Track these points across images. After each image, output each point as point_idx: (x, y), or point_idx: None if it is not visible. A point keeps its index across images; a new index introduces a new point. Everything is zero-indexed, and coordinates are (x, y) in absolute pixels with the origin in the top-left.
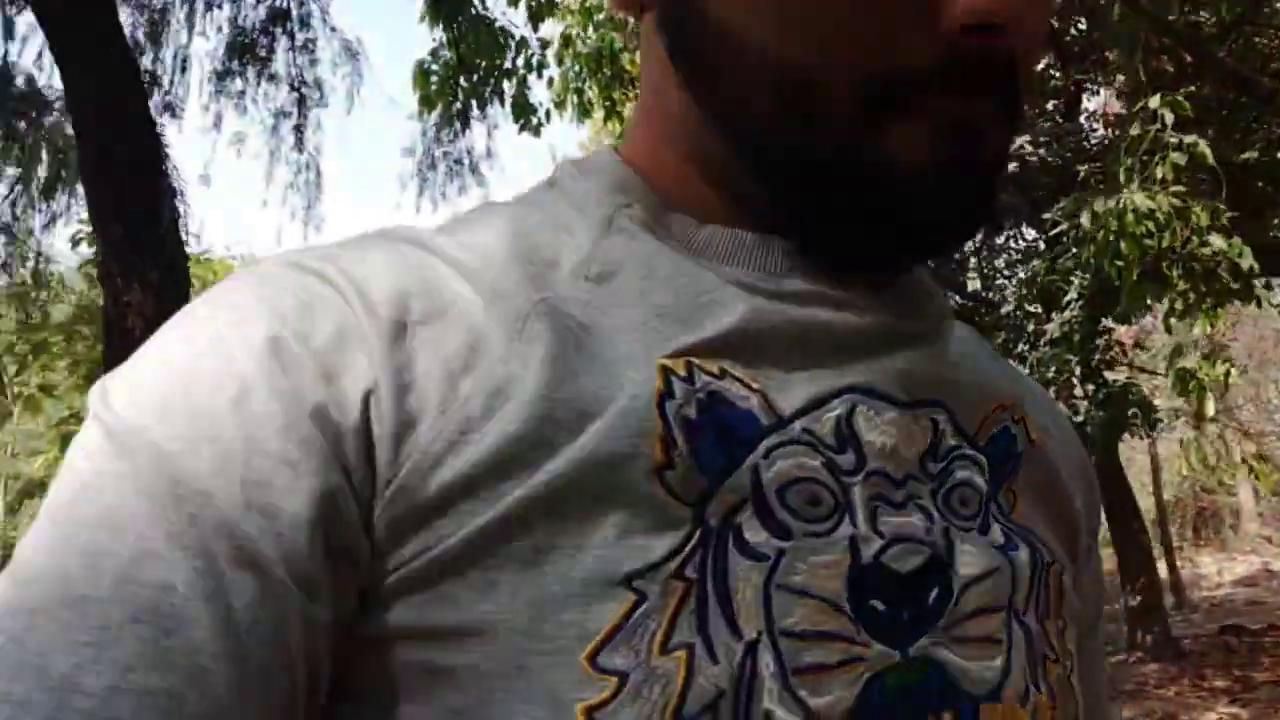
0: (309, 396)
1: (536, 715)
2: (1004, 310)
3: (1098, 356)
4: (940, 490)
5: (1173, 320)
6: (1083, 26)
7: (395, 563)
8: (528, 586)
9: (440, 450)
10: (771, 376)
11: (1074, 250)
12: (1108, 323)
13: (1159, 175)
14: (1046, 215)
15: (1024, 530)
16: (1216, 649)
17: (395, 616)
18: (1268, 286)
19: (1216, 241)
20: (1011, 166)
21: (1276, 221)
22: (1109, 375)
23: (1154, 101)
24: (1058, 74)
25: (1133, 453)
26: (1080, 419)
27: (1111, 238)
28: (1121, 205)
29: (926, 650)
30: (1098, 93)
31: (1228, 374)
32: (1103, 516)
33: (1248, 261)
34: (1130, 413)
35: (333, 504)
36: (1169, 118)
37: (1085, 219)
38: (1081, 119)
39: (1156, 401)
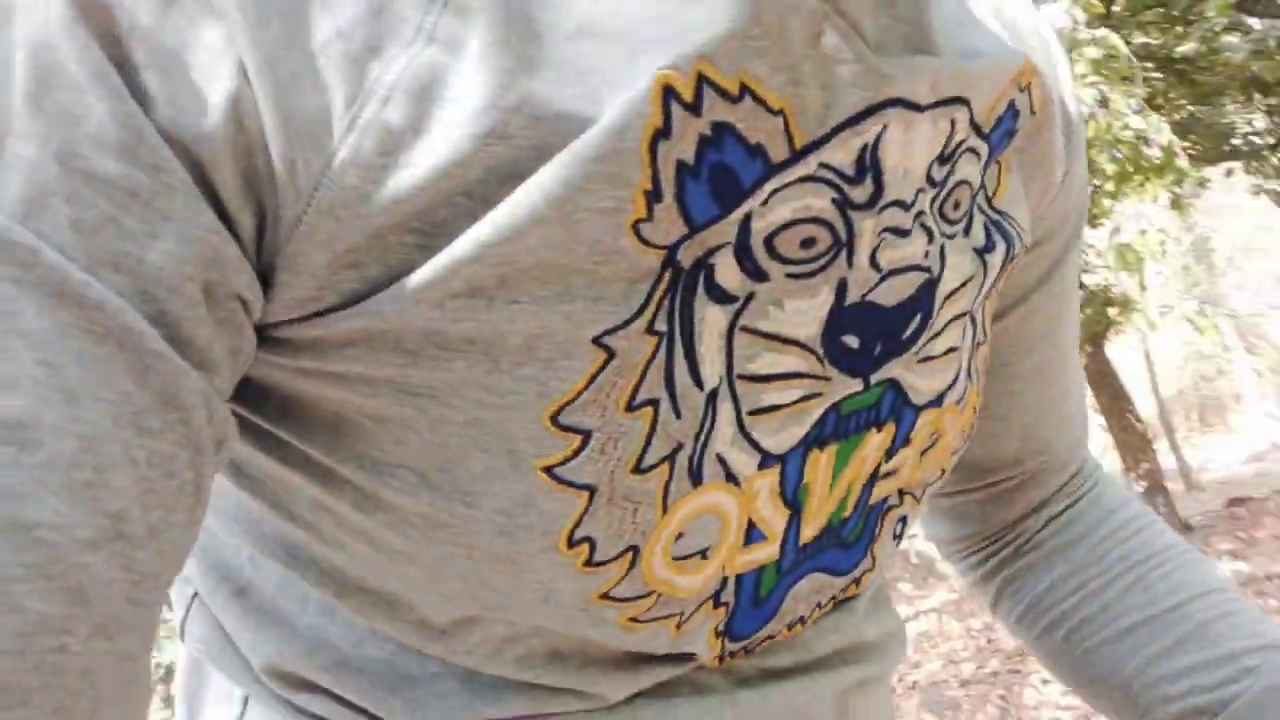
0: (151, 93)
1: (496, 465)
2: None
3: None
4: (940, 196)
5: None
6: None
7: (310, 311)
8: (481, 343)
9: (356, 182)
10: (803, 83)
11: None
12: None
13: (1079, 72)
14: None
15: (1002, 219)
16: (1224, 520)
17: (312, 358)
18: (1229, 174)
19: (1135, 122)
20: None
21: (1231, 107)
22: (1086, 279)
23: (1063, 3)
24: None
25: (1130, 352)
26: None
27: None
28: None
29: (889, 373)
30: None
31: (1163, 244)
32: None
33: (1165, 136)
34: (1111, 311)
35: (209, 247)
36: (1080, 16)
37: None
38: None
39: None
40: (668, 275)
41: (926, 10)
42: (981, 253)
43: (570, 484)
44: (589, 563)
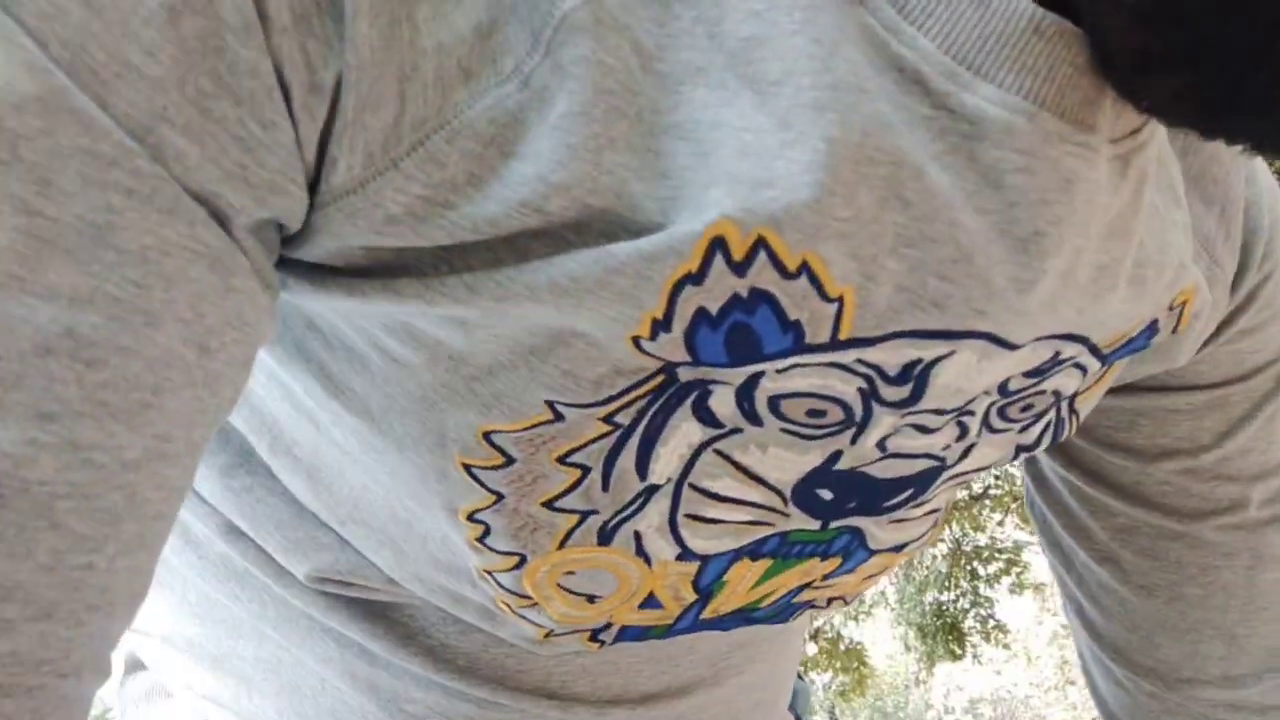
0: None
1: (426, 438)
2: None
3: None
4: (1006, 403)
5: None
6: None
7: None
8: (448, 349)
9: (392, 208)
10: (876, 279)
11: None
12: None
13: None
14: None
15: (1073, 415)
16: None
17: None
18: None
19: None
20: None
21: None
22: None
23: None
24: None
25: None
26: None
27: None
28: None
29: (853, 522)
30: None
31: None
32: None
33: None
34: None
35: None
36: None
37: None
38: None
39: None
40: (657, 381)
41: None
42: (1024, 448)
43: (482, 484)
44: (481, 539)
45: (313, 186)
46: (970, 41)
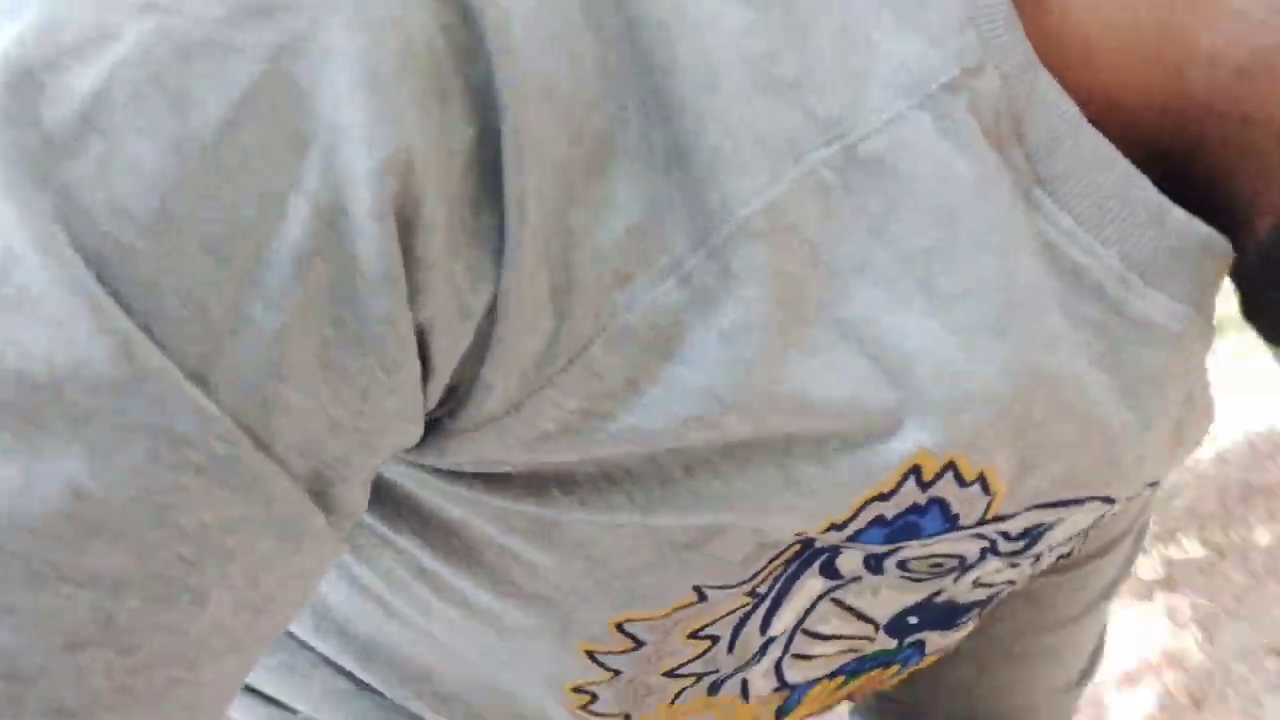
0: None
1: (548, 627)
2: None
3: None
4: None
5: None
6: None
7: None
8: (587, 548)
9: (546, 425)
10: (1029, 469)
11: None
12: None
13: None
14: None
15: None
16: None
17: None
18: None
19: None
20: None
21: None
22: None
23: None
24: None
25: None
26: None
27: None
28: None
29: (920, 636)
30: None
31: None
32: None
33: None
34: None
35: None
36: None
37: None
38: None
39: None
40: (795, 550)
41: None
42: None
43: (603, 666)
44: (584, 707)
45: (450, 410)
46: (1146, 254)
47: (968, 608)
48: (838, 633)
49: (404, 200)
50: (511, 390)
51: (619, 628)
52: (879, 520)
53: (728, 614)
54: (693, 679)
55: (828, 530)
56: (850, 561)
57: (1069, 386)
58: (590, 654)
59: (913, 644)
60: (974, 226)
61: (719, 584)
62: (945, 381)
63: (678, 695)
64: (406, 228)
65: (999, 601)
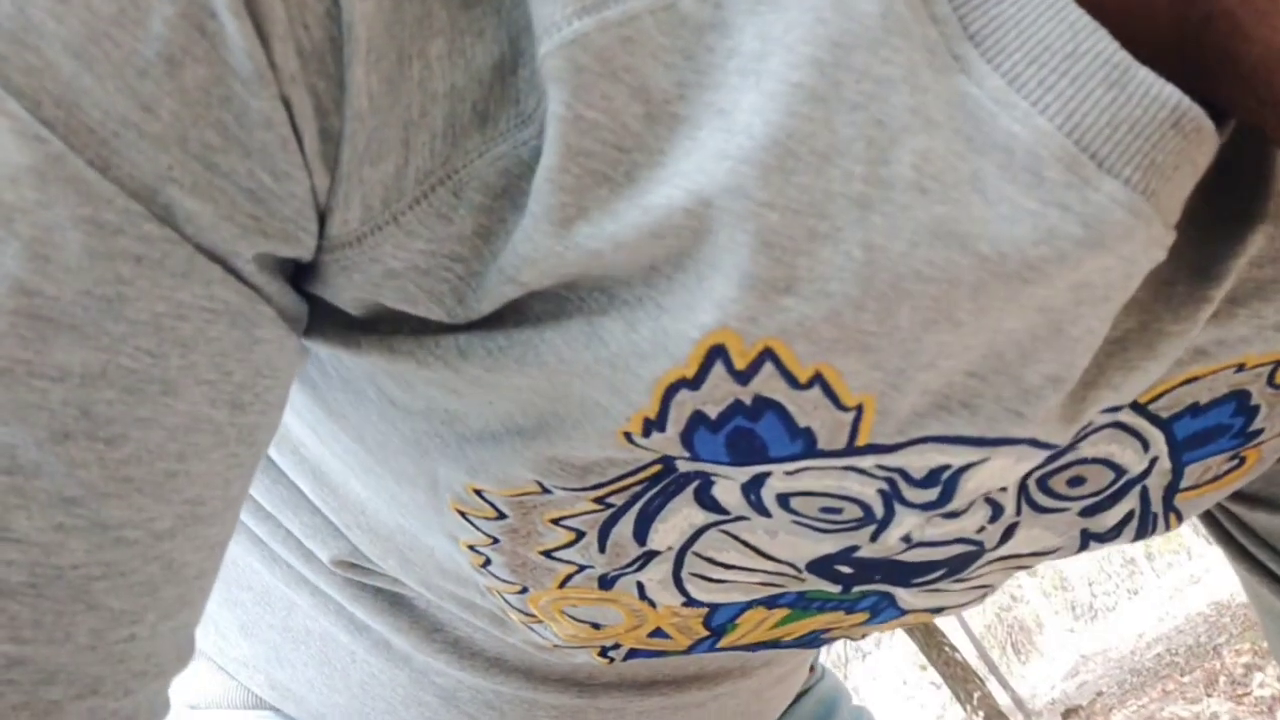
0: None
1: (420, 477)
2: None
3: None
4: (1044, 472)
5: None
6: None
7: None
8: (442, 406)
9: (390, 262)
10: (902, 389)
11: None
12: None
13: None
14: None
15: (1177, 511)
16: None
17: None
18: None
19: None
20: None
21: None
22: None
23: None
24: None
25: None
26: None
27: None
28: None
29: (876, 587)
30: None
31: None
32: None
33: None
34: None
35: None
36: None
37: None
38: None
39: None
40: (652, 470)
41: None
42: (1095, 537)
43: (478, 528)
44: (483, 566)
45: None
46: (1098, 128)
47: (921, 568)
48: (743, 564)
49: (251, 2)
50: (353, 221)
51: (478, 494)
52: (703, 420)
53: (582, 513)
54: (574, 568)
55: (649, 433)
56: (727, 493)
57: (961, 297)
58: (462, 514)
59: (872, 594)
60: (862, 82)
61: (558, 484)
62: (772, 249)
63: (566, 579)
64: (260, 30)
65: (999, 568)
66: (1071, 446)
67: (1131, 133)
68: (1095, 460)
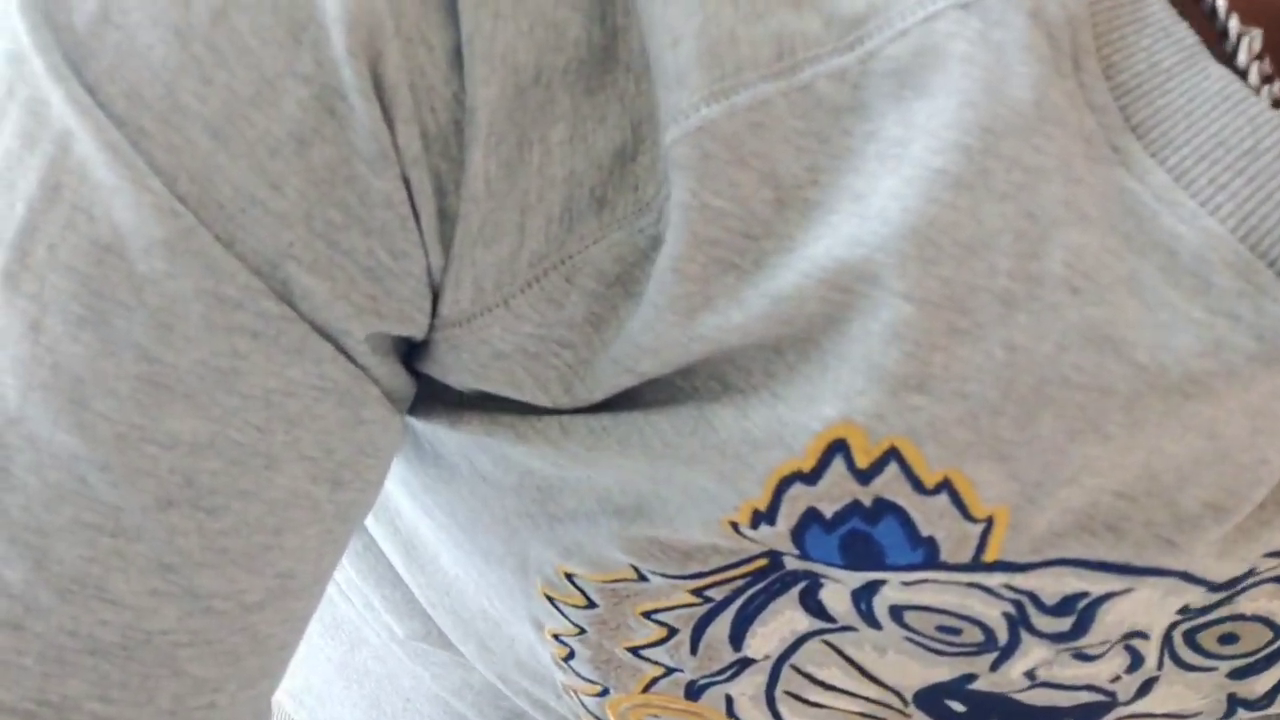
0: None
1: (509, 565)
2: None
3: None
4: (1192, 626)
5: None
6: None
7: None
8: (538, 476)
9: (498, 329)
10: (1039, 503)
11: None
12: None
13: None
14: None
15: None
16: None
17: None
18: None
19: None
20: None
21: None
22: None
23: None
24: None
25: None
26: None
27: None
28: None
29: None
30: None
31: None
32: None
33: None
34: None
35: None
36: None
37: None
38: None
39: None
40: (758, 564)
41: None
42: (1244, 704)
43: (566, 616)
44: (565, 660)
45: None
46: (1278, 233)
47: (1043, 714)
48: (843, 686)
49: (380, 85)
50: (464, 301)
51: (569, 578)
52: (817, 518)
53: (678, 606)
54: (662, 670)
55: (757, 525)
56: (836, 600)
57: (1113, 408)
58: (550, 599)
59: None
60: (1012, 171)
61: (656, 570)
62: (905, 344)
63: (652, 682)
64: (387, 113)
65: None
66: (1229, 599)
67: None
68: (1254, 618)
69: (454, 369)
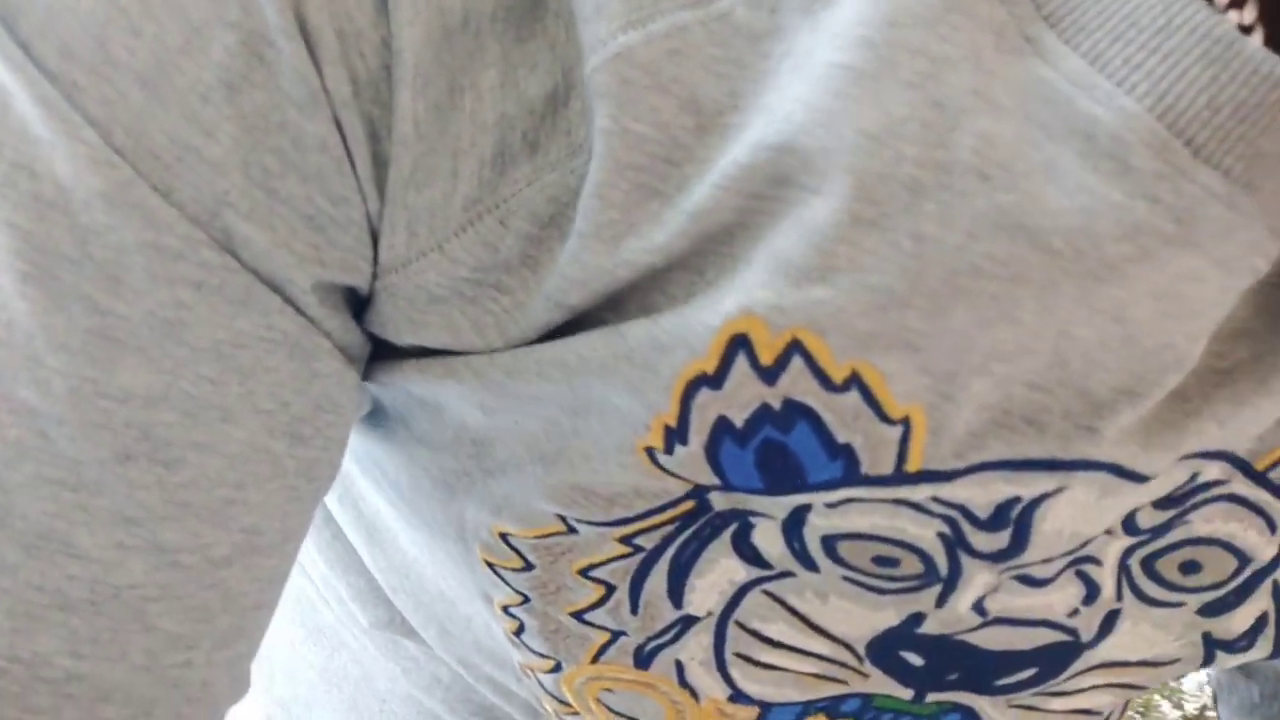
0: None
1: (449, 533)
2: None
3: None
4: (1146, 549)
5: None
6: None
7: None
8: (471, 430)
9: (433, 274)
10: (955, 399)
11: None
12: None
13: None
14: None
15: None
16: None
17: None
18: None
19: None
20: None
21: None
22: None
23: None
24: None
25: None
26: None
27: None
28: None
29: (959, 700)
30: None
31: None
32: None
33: None
34: None
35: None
36: None
37: None
38: None
39: None
40: (685, 506)
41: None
42: (1221, 645)
43: (507, 583)
44: (517, 634)
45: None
46: (1195, 110)
47: (1003, 661)
48: (792, 643)
49: (304, 28)
50: (399, 246)
51: (504, 539)
52: (729, 430)
53: (611, 559)
54: (607, 634)
55: (671, 448)
56: (769, 541)
57: (1024, 296)
58: (491, 566)
59: (951, 709)
60: (916, 59)
61: (582, 517)
62: (811, 234)
63: (600, 650)
64: (313, 55)
65: (1102, 680)
66: (1181, 517)
67: (1234, 116)
68: (1211, 540)
69: (393, 320)
